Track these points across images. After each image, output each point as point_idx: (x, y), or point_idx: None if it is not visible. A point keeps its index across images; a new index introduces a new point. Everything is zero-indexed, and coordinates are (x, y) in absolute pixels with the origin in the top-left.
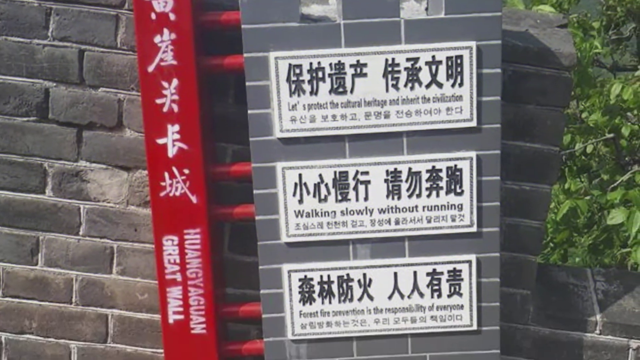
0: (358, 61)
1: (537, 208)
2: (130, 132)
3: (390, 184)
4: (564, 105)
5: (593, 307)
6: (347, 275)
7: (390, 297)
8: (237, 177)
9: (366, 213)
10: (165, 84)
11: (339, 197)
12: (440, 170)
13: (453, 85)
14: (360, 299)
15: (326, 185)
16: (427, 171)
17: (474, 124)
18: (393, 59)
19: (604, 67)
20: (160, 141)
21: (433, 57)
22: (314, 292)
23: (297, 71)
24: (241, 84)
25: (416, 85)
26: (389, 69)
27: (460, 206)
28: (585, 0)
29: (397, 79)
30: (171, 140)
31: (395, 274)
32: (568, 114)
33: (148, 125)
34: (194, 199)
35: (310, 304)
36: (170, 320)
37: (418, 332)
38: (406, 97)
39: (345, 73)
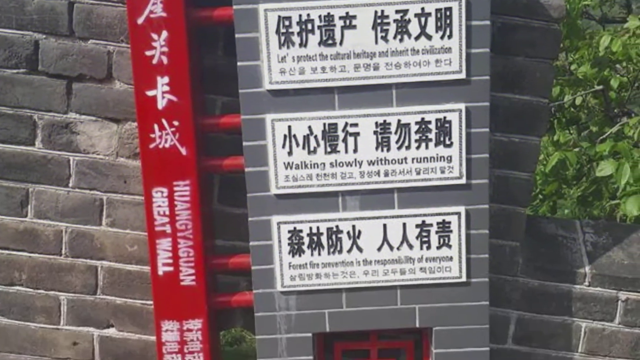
0: (347, 13)
1: (526, 160)
2: (119, 84)
3: (379, 136)
4: (553, 57)
5: (582, 259)
6: (337, 227)
7: (379, 249)
8: (226, 129)
9: (355, 165)
10: (154, 36)
11: (328, 149)
12: (430, 122)
13: (442, 37)
14: (349, 251)
15: (315, 137)
16: (416, 123)
17: (463, 76)
18: (382, 11)
19: (593, 19)
20: (150, 93)
21: (422, 9)
22: (303, 243)
23: (287, 23)
24: (230, 36)
25: (405, 37)
26: (378, 21)
27: (449, 158)
28: None
29: (387, 31)
30: (160, 92)
31: (385, 225)
32: (557, 66)
33: (137, 77)
34: (183, 150)
35: (300, 255)
36: (160, 272)
37: (407, 284)
38: (395, 49)
39: (334, 25)
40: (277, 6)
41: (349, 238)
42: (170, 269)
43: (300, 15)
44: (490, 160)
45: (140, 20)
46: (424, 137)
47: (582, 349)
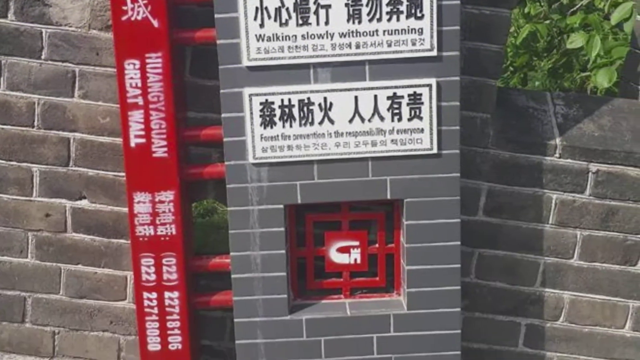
0: None
1: (497, 32)
2: None
3: (350, 8)
4: None
5: (553, 131)
6: (308, 99)
7: (350, 121)
8: (198, 1)
9: (327, 37)
10: None
11: (300, 21)
12: None
13: None
14: (320, 123)
15: (287, 9)
16: None
17: None
18: None
19: None
20: None
21: None
22: (274, 115)
23: None
24: None
25: None
26: None
27: (420, 30)
28: None
29: None
30: None
31: (356, 97)
32: None
33: None
34: (155, 22)
35: (271, 127)
36: (132, 144)
37: (378, 156)
38: None
39: None
40: None
41: (321, 110)
42: (143, 140)
43: None
44: (461, 32)
45: None
46: (395, 9)
47: (552, 220)
